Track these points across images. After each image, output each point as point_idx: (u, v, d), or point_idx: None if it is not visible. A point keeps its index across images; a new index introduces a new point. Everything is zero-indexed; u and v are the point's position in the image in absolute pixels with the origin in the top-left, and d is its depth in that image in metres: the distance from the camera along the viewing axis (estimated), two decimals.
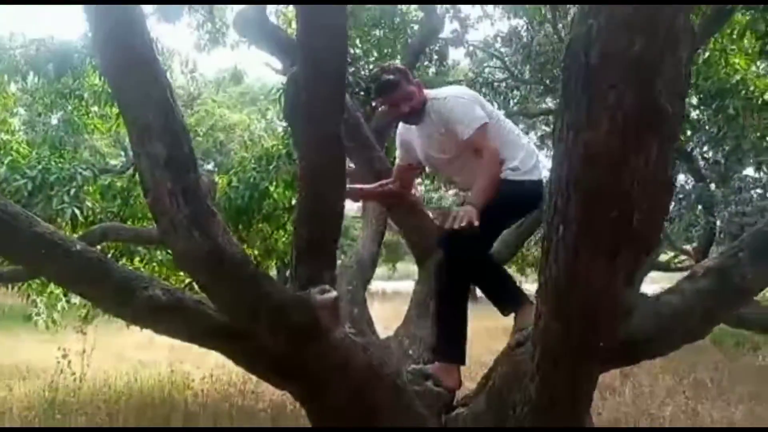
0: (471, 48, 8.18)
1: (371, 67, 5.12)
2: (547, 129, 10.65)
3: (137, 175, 6.86)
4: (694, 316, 2.00)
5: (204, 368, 6.84)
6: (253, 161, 5.28)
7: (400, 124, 2.68)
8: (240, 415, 5.18)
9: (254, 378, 5.97)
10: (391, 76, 2.43)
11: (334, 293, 2.04)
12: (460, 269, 2.35)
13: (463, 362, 2.41)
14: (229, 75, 7.51)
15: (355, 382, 2.10)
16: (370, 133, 3.20)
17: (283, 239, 6.43)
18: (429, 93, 2.51)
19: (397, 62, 2.64)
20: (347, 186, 2.53)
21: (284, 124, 6.26)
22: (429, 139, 2.52)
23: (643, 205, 1.42)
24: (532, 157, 2.46)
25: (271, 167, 4.98)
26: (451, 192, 14.24)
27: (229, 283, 1.88)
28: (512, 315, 2.45)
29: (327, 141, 2.09)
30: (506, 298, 2.41)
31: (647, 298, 2.14)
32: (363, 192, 2.81)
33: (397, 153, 2.77)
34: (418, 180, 4.48)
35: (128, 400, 5.67)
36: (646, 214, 1.45)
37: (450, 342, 2.42)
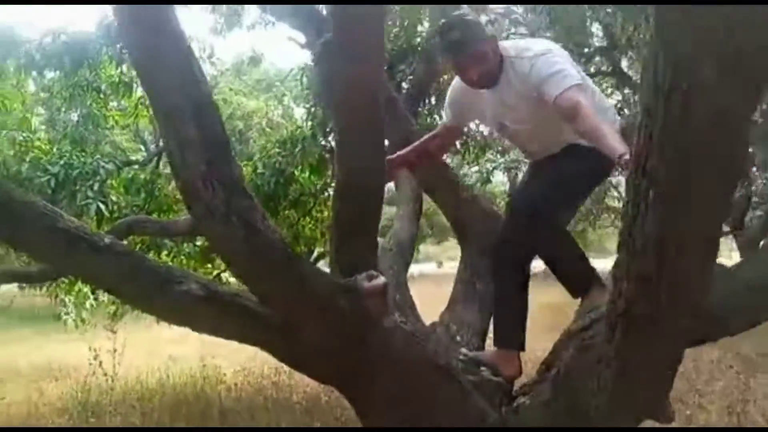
0: (493, 16, 7.90)
1: (392, 37, 4.90)
2: None
3: (160, 167, 6.76)
4: None
5: (236, 361, 6.76)
6: (276, 146, 5.12)
7: (458, 81, 2.30)
8: (276, 408, 5.07)
9: (287, 369, 5.87)
10: (458, 34, 2.04)
11: (382, 279, 1.88)
12: (531, 241, 2.14)
13: (523, 348, 2.23)
14: (247, 59, 7.32)
15: (408, 375, 1.95)
16: (403, 107, 3.01)
17: (310, 225, 6.31)
18: (507, 49, 2.13)
19: (467, 13, 2.14)
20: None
21: (302, 109, 6.10)
22: (502, 105, 2.18)
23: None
24: (615, 123, 2.19)
25: (296, 150, 4.82)
26: (473, 169, 13.95)
27: (269, 271, 1.72)
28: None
29: (365, 110, 1.92)
30: (579, 277, 2.19)
31: (723, 268, 1.95)
32: (400, 159, 2.44)
33: (446, 113, 2.44)
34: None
35: (162, 397, 5.59)
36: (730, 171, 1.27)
37: (510, 327, 2.24)
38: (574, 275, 2.19)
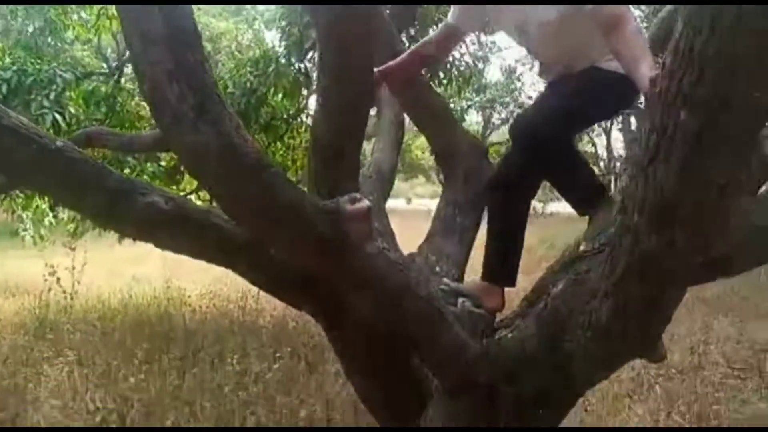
0: None
1: None
2: None
3: (122, 82, 6.38)
4: None
5: (201, 284, 6.64)
6: (248, 64, 4.83)
7: None
8: (242, 331, 4.99)
9: (254, 293, 5.79)
10: None
11: (366, 203, 1.73)
12: (538, 162, 1.94)
13: (513, 284, 2.12)
14: None
15: (389, 303, 1.84)
16: (390, 22, 2.79)
17: (281, 152, 6.09)
18: None
19: None
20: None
21: (274, 32, 5.78)
22: (541, 14, 1.90)
23: None
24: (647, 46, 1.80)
25: (269, 70, 4.54)
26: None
27: (243, 187, 1.56)
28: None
29: (353, 29, 1.74)
30: (586, 191, 2.00)
31: None
32: (388, 70, 2.20)
33: (454, 11, 2.14)
34: None
35: (123, 317, 5.46)
36: None
37: (505, 263, 2.11)
38: (581, 189, 2.02)
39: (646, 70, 1.51)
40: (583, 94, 1.91)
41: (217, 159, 1.49)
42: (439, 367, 1.97)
